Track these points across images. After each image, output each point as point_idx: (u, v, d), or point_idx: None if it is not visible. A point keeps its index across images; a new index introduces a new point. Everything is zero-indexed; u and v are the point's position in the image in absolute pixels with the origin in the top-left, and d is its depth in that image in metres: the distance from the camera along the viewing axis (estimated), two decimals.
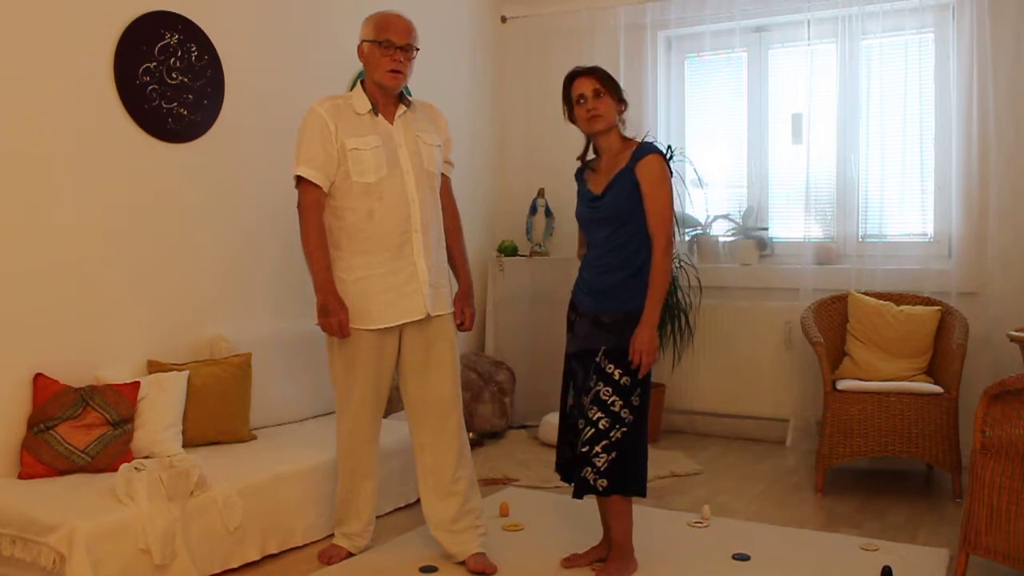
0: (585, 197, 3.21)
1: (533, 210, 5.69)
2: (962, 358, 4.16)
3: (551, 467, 3.48)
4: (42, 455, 3.28)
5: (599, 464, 3.07)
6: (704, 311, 5.38)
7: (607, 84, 3.11)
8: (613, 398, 3.07)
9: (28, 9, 3.43)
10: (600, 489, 3.08)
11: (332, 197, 3.23)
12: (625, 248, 3.11)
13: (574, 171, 3.35)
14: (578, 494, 3.15)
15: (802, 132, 5.25)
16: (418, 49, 3.28)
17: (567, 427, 3.26)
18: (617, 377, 3.08)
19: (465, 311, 3.45)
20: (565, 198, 3.40)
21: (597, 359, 3.11)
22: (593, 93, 3.11)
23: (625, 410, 3.08)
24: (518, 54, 6.00)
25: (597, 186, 3.17)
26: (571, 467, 3.21)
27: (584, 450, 3.09)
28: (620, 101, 3.15)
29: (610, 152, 3.18)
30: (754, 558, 3.37)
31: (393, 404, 4.33)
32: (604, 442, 3.07)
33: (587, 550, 3.36)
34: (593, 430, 3.08)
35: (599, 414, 3.08)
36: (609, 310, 3.12)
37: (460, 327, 3.43)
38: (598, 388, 3.09)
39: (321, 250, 3.20)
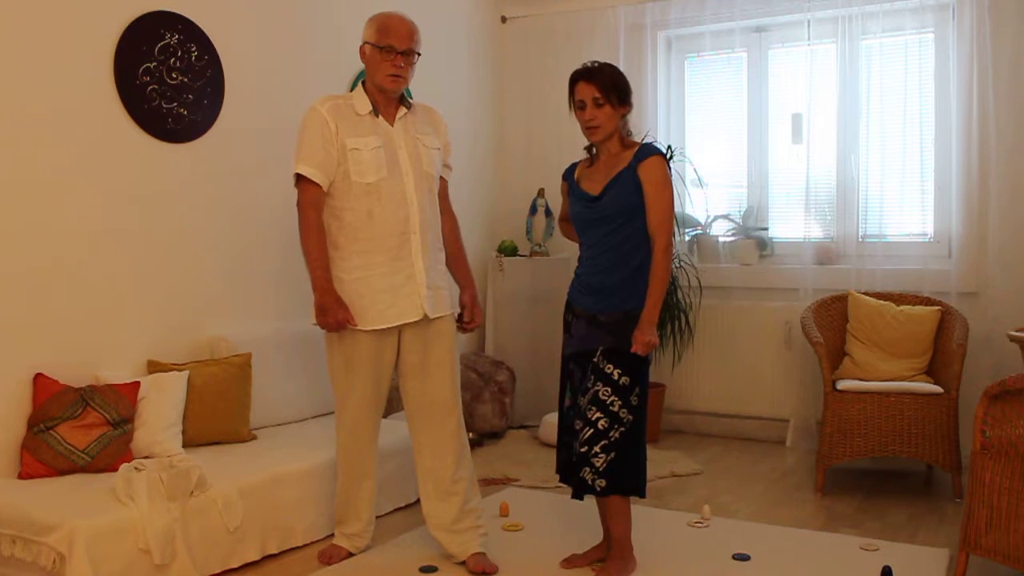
0: (581, 197, 3.19)
1: (533, 210, 5.69)
2: (962, 358, 4.16)
3: (551, 467, 3.49)
4: (42, 455, 3.28)
5: (598, 464, 3.07)
6: (704, 311, 5.38)
7: (608, 92, 3.07)
8: (612, 398, 3.07)
9: (28, 9, 3.43)
10: (598, 489, 3.08)
11: (331, 197, 3.23)
12: (623, 247, 3.11)
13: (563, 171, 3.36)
14: (577, 494, 3.14)
15: (802, 132, 5.25)
16: (419, 53, 3.28)
17: (564, 429, 3.26)
18: (616, 377, 3.08)
19: (474, 310, 3.44)
20: None
21: (595, 359, 3.11)
22: (593, 102, 3.08)
23: (624, 410, 3.08)
24: (518, 54, 6.00)
25: (594, 186, 3.16)
26: (569, 468, 3.22)
27: (583, 450, 3.09)
28: (624, 104, 3.12)
29: (609, 153, 3.18)
30: (754, 558, 3.37)
31: (393, 404, 4.33)
32: (603, 442, 3.07)
33: (587, 550, 3.36)
34: (592, 430, 3.08)
35: (598, 414, 3.08)
36: (607, 310, 3.12)
37: (468, 326, 3.42)
38: (596, 388, 3.09)
39: (319, 249, 3.20)
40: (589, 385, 3.11)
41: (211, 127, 4.11)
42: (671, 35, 5.67)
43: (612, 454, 3.07)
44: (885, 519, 3.90)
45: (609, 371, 3.08)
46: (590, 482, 3.08)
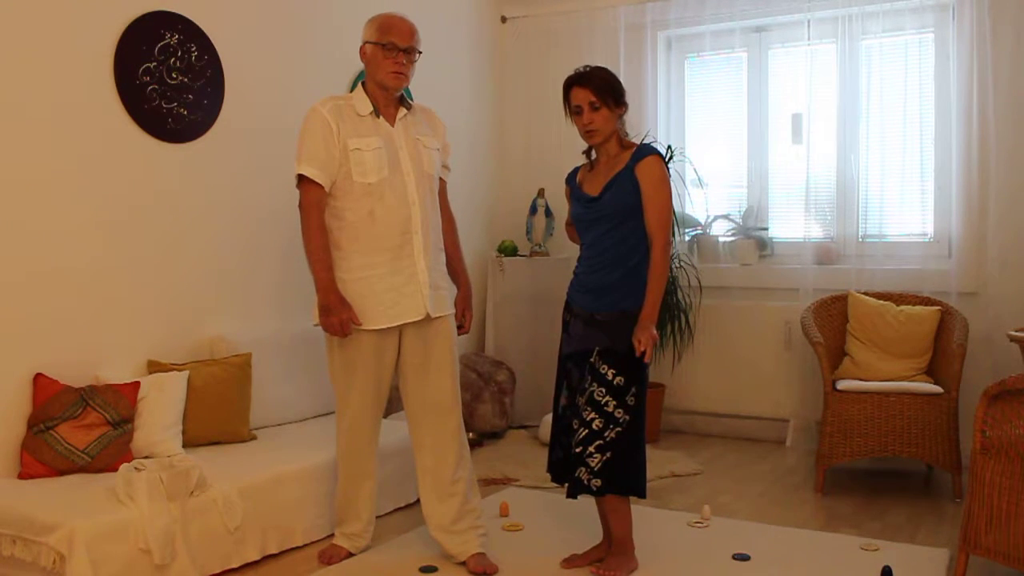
0: (581, 199, 3.21)
1: (533, 210, 5.69)
2: (962, 358, 4.16)
3: None
4: (42, 455, 3.28)
5: (593, 464, 3.07)
6: (704, 311, 5.38)
7: (604, 95, 3.08)
8: (607, 398, 3.07)
9: (28, 9, 3.43)
10: (594, 489, 3.09)
11: (333, 197, 3.24)
12: (620, 247, 3.12)
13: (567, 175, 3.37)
14: (572, 494, 3.15)
15: (802, 132, 5.25)
16: (420, 52, 3.29)
17: (560, 428, 3.26)
18: (611, 377, 3.08)
19: (465, 313, 3.49)
20: (565, 198, 3.41)
21: (591, 360, 3.12)
22: (589, 106, 3.08)
23: (619, 410, 3.08)
24: (518, 54, 6.01)
25: (594, 187, 3.18)
26: (562, 467, 3.22)
27: (578, 450, 3.10)
28: (620, 105, 3.13)
29: (608, 154, 3.19)
30: (754, 558, 3.37)
31: (393, 404, 4.33)
32: (598, 442, 3.07)
33: (587, 550, 3.36)
34: (587, 431, 3.08)
35: (593, 415, 3.08)
36: (604, 309, 3.13)
37: (459, 330, 3.44)
38: (592, 388, 3.09)
39: (322, 249, 3.20)
40: (586, 385, 3.12)
41: (211, 127, 4.11)
42: (671, 35, 5.67)
43: (608, 454, 3.07)
44: (885, 519, 3.90)
45: (604, 371, 3.09)
46: (586, 482, 3.09)
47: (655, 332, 3.09)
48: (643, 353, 3.05)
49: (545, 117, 5.72)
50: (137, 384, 3.53)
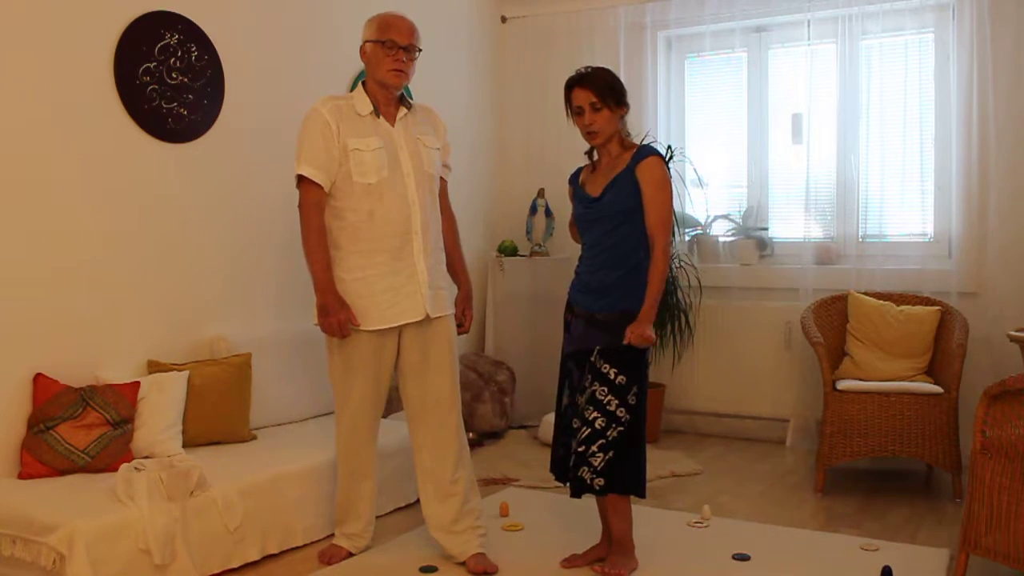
0: (583, 199, 3.22)
1: (533, 210, 5.69)
2: (962, 358, 4.16)
3: None
4: (42, 455, 3.28)
5: (595, 463, 3.08)
6: (704, 311, 5.38)
7: (605, 96, 3.09)
8: (609, 397, 3.08)
9: (28, 9, 3.43)
10: (597, 488, 3.09)
11: (332, 197, 3.24)
12: (621, 247, 3.12)
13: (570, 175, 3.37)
14: (575, 493, 3.15)
15: (802, 132, 5.25)
16: (420, 50, 3.29)
17: (562, 427, 3.27)
18: (612, 377, 3.09)
19: (465, 313, 3.48)
20: (565, 198, 3.42)
21: (592, 359, 3.12)
22: (590, 107, 3.09)
23: (621, 409, 3.08)
24: (518, 54, 6.01)
25: (595, 188, 3.19)
26: (565, 467, 3.22)
27: (580, 449, 3.10)
28: (621, 106, 3.14)
29: (609, 155, 3.20)
30: (754, 558, 3.37)
31: (393, 404, 4.33)
32: (600, 441, 3.07)
33: (587, 550, 3.36)
34: (589, 430, 3.09)
35: (595, 414, 3.08)
36: (604, 309, 3.13)
37: (459, 329, 3.44)
38: (594, 388, 3.10)
39: (321, 249, 3.21)
40: (587, 385, 3.13)
41: (211, 127, 4.11)
42: (671, 35, 5.67)
43: (610, 453, 3.07)
44: (885, 519, 3.90)
45: (606, 370, 3.09)
46: (588, 481, 3.09)
47: (650, 333, 3.09)
48: (639, 343, 3.05)
49: (545, 117, 5.73)
50: (137, 384, 3.53)
